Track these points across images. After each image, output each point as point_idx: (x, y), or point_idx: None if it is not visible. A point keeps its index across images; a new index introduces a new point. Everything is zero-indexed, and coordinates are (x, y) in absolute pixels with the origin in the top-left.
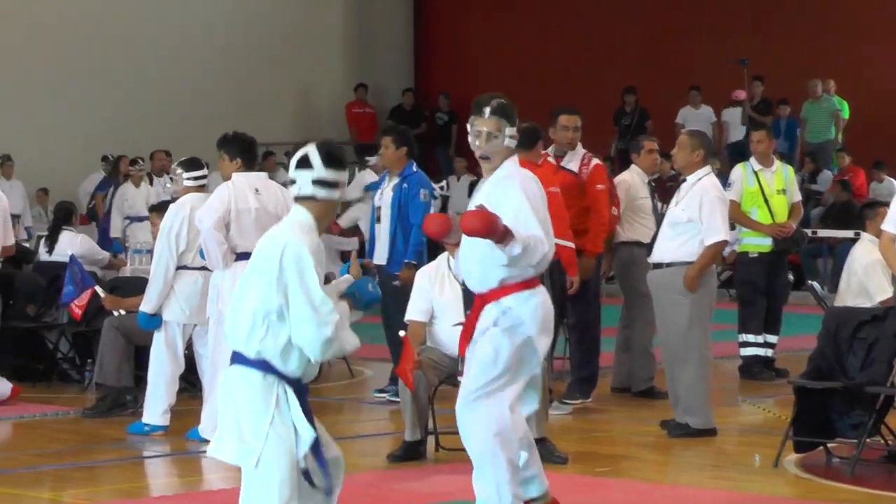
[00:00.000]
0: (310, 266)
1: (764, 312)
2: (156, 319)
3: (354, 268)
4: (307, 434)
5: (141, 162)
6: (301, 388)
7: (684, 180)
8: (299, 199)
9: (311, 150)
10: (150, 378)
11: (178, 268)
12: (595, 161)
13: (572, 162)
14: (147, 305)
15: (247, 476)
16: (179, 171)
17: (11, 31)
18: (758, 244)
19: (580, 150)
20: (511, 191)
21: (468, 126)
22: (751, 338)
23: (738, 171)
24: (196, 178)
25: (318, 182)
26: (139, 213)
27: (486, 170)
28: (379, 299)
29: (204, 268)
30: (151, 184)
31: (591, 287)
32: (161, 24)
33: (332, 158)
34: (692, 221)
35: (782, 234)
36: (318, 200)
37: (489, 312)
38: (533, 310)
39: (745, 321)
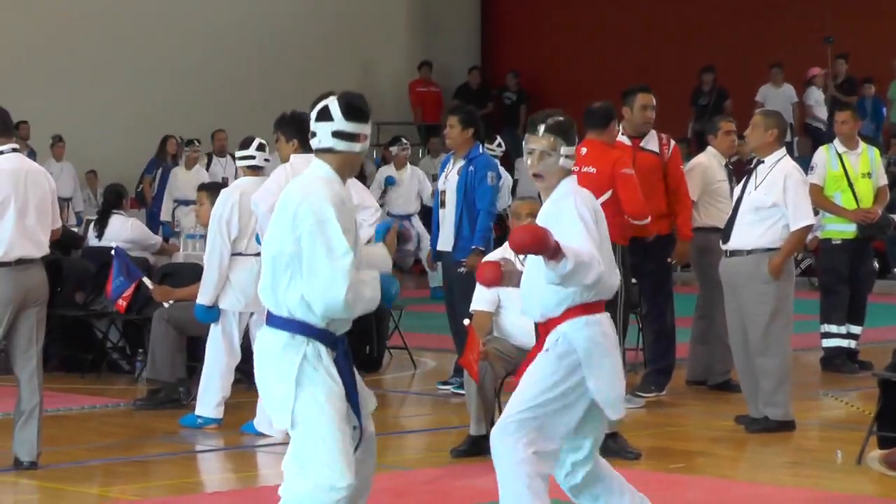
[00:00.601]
0: (331, 217)
1: (847, 302)
2: (213, 311)
3: (391, 235)
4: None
5: (197, 143)
6: (334, 342)
7: (761, 162)
8: (319, 152)
9: (332, 102)
10: (205, 369)
11: (233, 255)
12: (673, 142)
13: (651, 142)
14: (203, 297)
15: (292, 438)
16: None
17: (63, 12)
18: (841, 230)
19: (653, 131)
20: (566, 210)
21: (523, 144)
22: (833, 328)
23: (822, 154)
24: (243, 159)
25: (337, 134)
26: (188, 196)
27: (541, 189)
28: (390, 302)
29: (259, 253)
30: (209, 167)
31: (666, 274)
32: (215, 4)
33: (351, 110)
34: (776, 206)
35: (867, 220)
36: (338, 152)
37: (547, 340)
38: (584, 339)
39: (828, 311)
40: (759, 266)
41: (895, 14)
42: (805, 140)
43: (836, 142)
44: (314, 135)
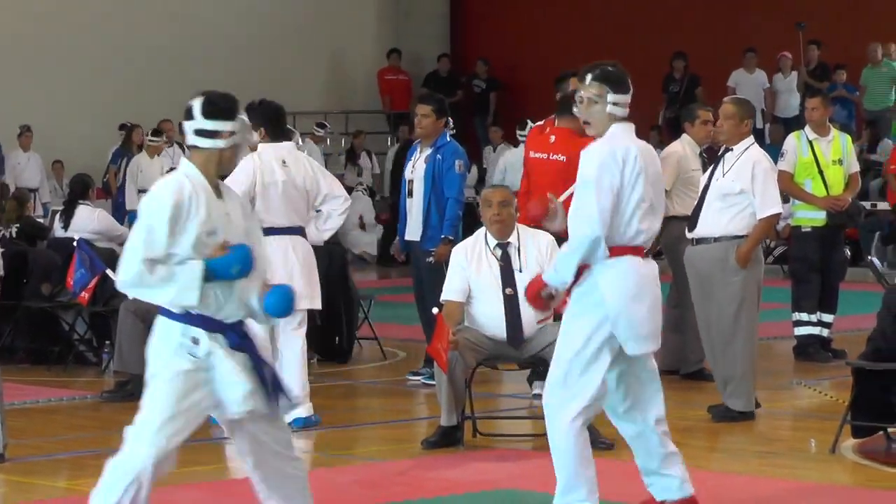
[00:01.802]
0: (153, 212)
1: (819, 290)
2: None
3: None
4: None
5: (160, 133)
6: (222, 328)
7: (729, 150)
8: (189, 149)
9: (195, 101)
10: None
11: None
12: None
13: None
14: None
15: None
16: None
17: (30, 2)
18: (811, 218)
19: None
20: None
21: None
22: (805, 317)
23: (792, 141)
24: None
25: (198, 132)
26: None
27: (591, 135)
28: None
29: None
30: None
31: None
32: None
33: (211, 108)
34: (744, 192)
35: (837, 208)
36: (201, 150)
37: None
38: (610, 280)
39: (799, 299)
40: (727, 254)
41: (869, 0)
42: (776, 127)
43: (807, 128)
44: (184, 133)
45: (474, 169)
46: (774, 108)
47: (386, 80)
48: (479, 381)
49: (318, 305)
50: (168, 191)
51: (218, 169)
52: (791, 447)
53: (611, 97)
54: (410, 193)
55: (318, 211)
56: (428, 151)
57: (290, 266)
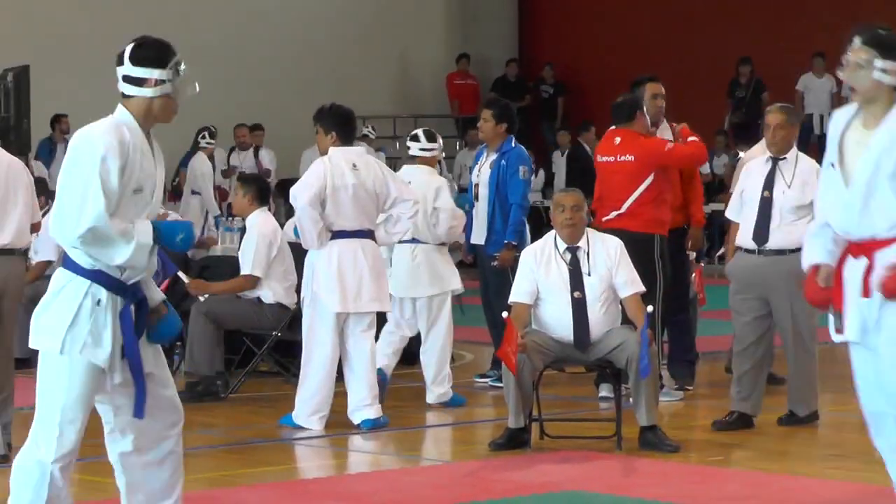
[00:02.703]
0: (93, 154)
1: None
2: None
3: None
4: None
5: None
6: (121, 289)
7: (781, 159)
8: (122, 97)
9: (127, 48)
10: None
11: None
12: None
13: (665, 132)
14: None
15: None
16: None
17: (104, 6)
18: None
19: (665, 122)
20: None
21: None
22: None
23: None
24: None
25: (126, 78)
26: (202, 188)
27: (857, 102)
28: (174, 247)
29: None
30: (228, 160)
31: (684, 265)
32: None
33: (138, 54)
34: (811, 203)
35: None
36: (129, 97)
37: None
38: None
39: None
40: (789, 265)
41: None
42: None
43: None
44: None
45: (541, 173)
46: None
47: (454, 85)
48: (546, 384)
49: (387, 308)
50: (111, 135)
51: (147, 120)
52: (858, 450)
53: (879, 63)
54: (476, 197)
55: (388, 215)
56: (493, 156)
57: (360, 269)
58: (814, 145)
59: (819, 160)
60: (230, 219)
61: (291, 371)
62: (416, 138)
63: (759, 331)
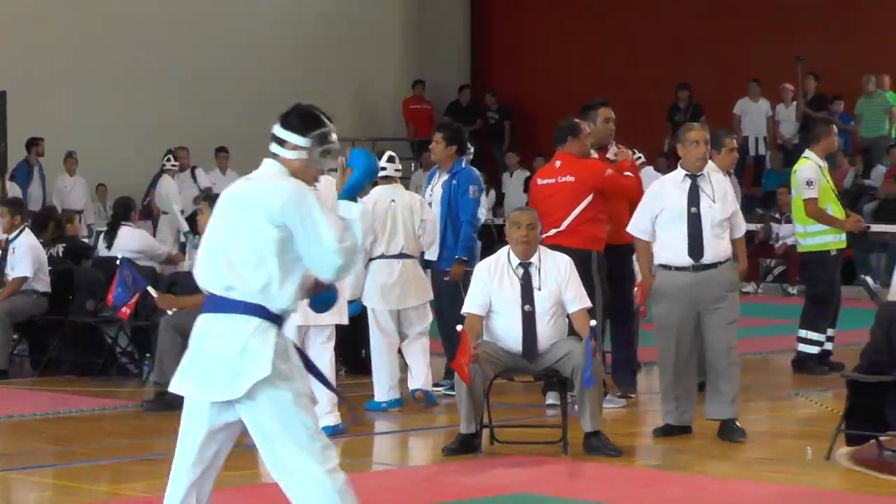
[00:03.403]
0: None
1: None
2: (356, 305)
3: None
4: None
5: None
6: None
7: (701, 175)
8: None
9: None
10: (372, 360)
11: (372, 259)
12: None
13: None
14: (348, 293)
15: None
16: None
17: (81, 31)
18: (837, 241)
19: (614, 143)
20: None
21: None
22: (815, 336)
23: (815, 168)
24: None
25: (273, 136)
26: (168, 207)
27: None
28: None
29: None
30: (194, 178)
31: (630, 280)
32: (222, 23)
33: (287, 120)
34: (730, 216)
35: (861, 229)
36: (275, 155)
37: None
38: None
39: (816, 320)
40: (732, 275)
41: (864, 33)
42: (776, 154)
43: (815, 156)
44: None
45: (492, 193)
46: (776, 136)
47: (410, 109)
48: (496, 392)
49: (345, 321)
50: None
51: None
52: (790, 455)
53: None
54: None
55: None
56: (445, 177)
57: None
58: (750, 166)
59: (756, 181)
60: (197, 237)
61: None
62: (392, 159)
63: (694, 345)
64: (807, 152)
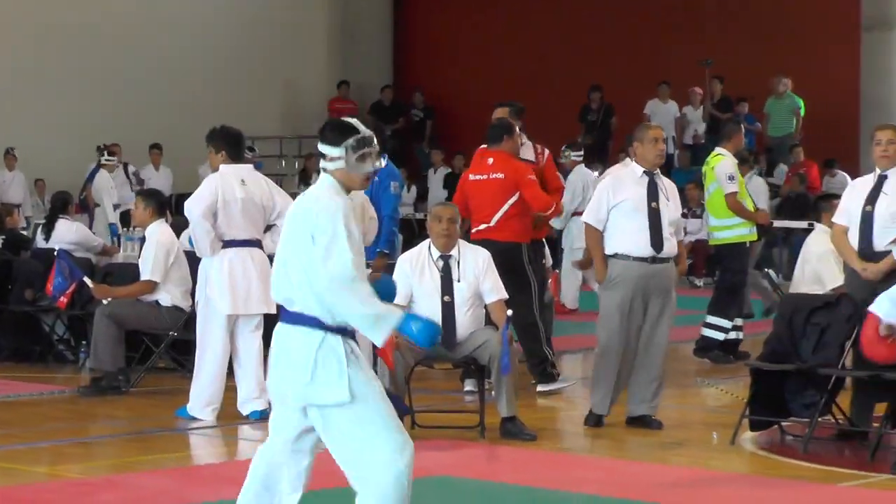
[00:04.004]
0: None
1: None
2: None
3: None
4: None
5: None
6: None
7: (656, 173)
8: None
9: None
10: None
11: None
12: (547, 151)
13: (527, 153)
14: None
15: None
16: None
17: (19, 32)
18: (750, 234)
19: (528, 142)
20: None
21: None
22: (727, 324)
23: (734, 163)
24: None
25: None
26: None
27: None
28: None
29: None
30: (127, 174)
31: (543, 271)
32: (156, 28)
33: (323, 134)
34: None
35: (769, 223)
36: (324, 168)
37: None
38: None
39: (728, 308)
40: (675, 271)
41: (767, 39)
42: (684, 153)
43: (728, 154)
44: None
45: (413, 188)
46: (683, 136)
47: (335, 108)
48: (416, 379)
49: (273, 310)
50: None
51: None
52: (697, 439)
53: None
54: None
55: (273, 225)
56: None
57: (249, 274)
58: None
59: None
60: (132, 229)
61: (186, 367)
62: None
63: (636, 336)
64: (718, 149)
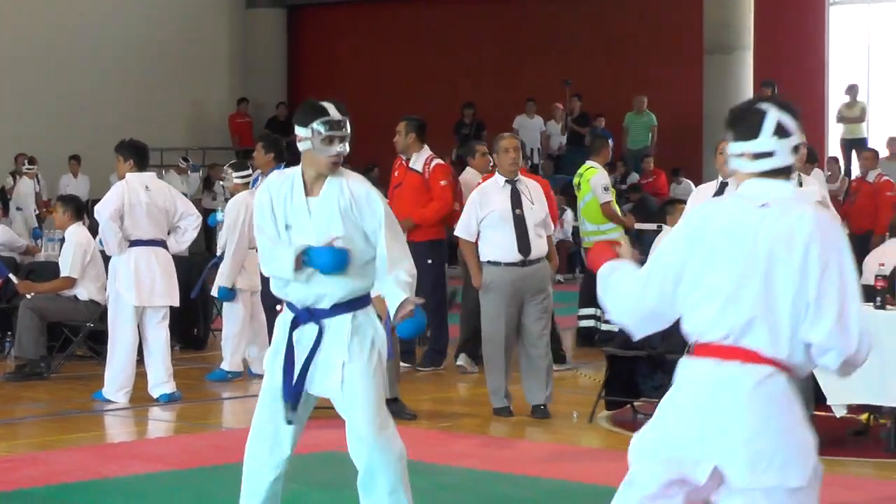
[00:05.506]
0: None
1: None
2: (233, 292)
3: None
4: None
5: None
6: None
7: (518, 180)
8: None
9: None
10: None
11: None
12: (436, 161)
13: (418, 163)
14: (226, 281)
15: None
16: (230, 171)
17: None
18: (620, 236)
19: (425, 153)
20: None
21: None
22: (593, 311)
23: (605, 176)
24: (244, 177)
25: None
26: (25, 205)
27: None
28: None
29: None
30: (38, 182)
31: (442, 269)
32: (76, 48)
33: (295, 116)
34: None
35: (633, 226)
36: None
37: None
38: None
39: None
40: (548, 269)
41: (622, 61)
42: (548, 163)
43: (598, 165)
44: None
45: None
46: (548, 147)
47: (235, 123)
48: None
49: (176, 302)
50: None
51: (308, 168)
52: (560, 418)
53: None
54: None
55: (177, 227)
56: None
57: (154, 270)
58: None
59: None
60: (52, 231)
61: (102, 355)
62: (241, 167)
63: (516, 333)
64: (590, 162)
